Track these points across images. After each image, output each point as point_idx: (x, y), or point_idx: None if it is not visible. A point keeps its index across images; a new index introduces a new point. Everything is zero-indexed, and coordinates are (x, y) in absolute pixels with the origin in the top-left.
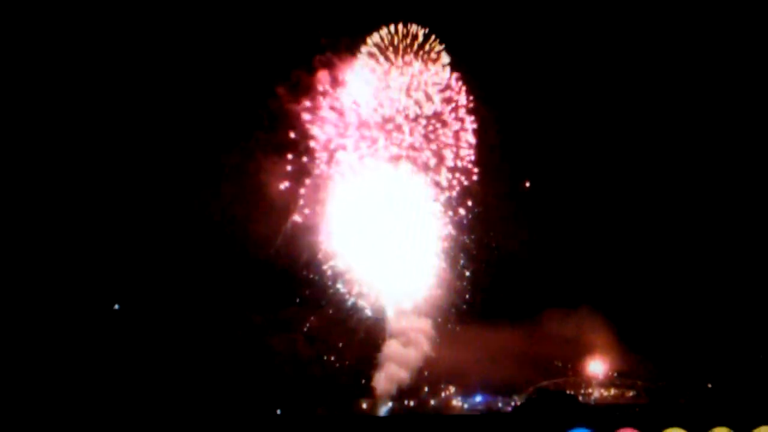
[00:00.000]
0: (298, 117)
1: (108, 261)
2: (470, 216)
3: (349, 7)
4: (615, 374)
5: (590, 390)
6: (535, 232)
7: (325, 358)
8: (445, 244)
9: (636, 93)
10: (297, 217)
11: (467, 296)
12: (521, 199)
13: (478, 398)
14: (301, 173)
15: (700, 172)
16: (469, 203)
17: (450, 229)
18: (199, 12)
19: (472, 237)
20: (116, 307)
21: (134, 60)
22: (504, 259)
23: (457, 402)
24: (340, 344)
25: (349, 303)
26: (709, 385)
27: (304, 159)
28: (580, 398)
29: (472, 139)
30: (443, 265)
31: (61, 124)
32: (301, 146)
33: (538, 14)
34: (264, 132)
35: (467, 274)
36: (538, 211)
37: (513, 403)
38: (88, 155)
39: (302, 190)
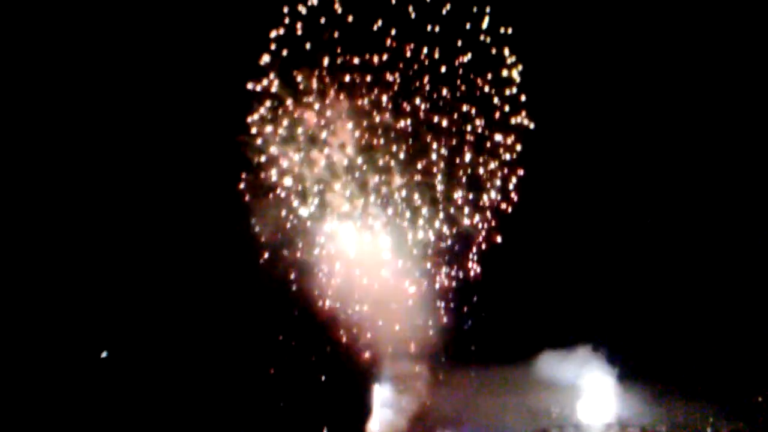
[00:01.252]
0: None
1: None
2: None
3: None
4: (615, 421)
5: None
6: (531, 270)
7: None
8: (440, 286)
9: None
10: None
11: (462, 340)
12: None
13: None
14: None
15: (703, 204)
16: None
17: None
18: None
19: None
20: (104, 354)
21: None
22: (499, 300)
23: None
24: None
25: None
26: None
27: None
28: None
29: None
30: (437, 308)
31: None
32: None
33: None
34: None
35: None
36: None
37: None
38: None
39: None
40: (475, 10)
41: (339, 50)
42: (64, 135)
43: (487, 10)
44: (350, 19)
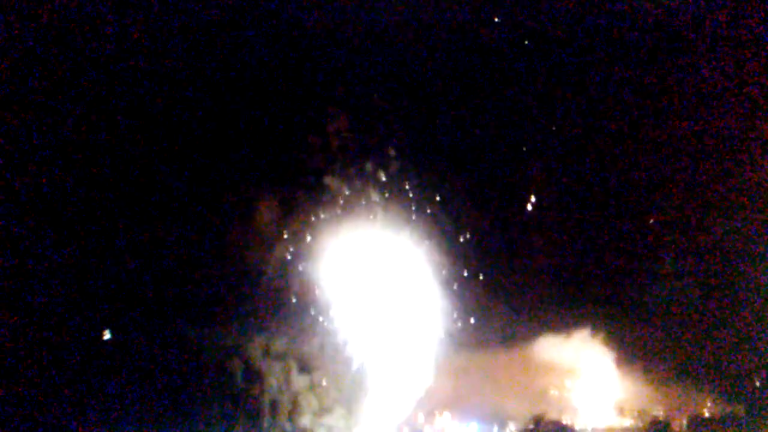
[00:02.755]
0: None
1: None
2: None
3: None
4: (615, 402)
5: (588, 419)
6: (531, 252)
7: (319, 387)
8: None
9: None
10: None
11: (463, 321)
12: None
13: (474, 426)
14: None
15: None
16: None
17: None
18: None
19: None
20: (107, 336)
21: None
22: (500, 282)
23: (452, 430)
24: (335, 373)
25: (343, 330)
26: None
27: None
28: (577, 428)
29: None
30: (438, 289)
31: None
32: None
33: None
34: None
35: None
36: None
37: None
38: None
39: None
40: None
41: None
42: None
43: None
44: None
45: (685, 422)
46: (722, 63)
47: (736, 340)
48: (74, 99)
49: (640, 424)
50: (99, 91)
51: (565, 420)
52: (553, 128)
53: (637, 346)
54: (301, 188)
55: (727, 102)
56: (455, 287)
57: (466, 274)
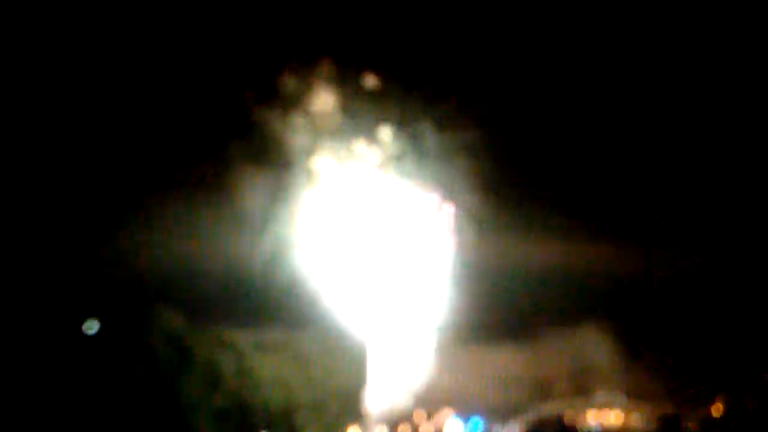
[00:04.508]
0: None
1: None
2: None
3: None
4: (622, 398)
5: (593, 415)
6: (537, 243)
7: (314, 380)
8: (442, 259)
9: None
10: (276, 232)
11: (465, 314)
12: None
13: (476, 421)
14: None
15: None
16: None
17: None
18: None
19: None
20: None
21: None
22: (504, 275)
23: (453, 426)
24: (330, 366)
25: (339, 322)
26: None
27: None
28: (582, 425)
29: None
30: (439, 282)
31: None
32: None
33: None
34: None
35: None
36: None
37: (509, 429)
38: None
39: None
40: None
41: None
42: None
43: None
44: None
45: (696, 420)
46: None
47: (750, 333)
48: None
49: (650, 421)
50: None
51: (572, 416)
52: None
53: (647, 338)
54: (288, 171)
55: None
56: (457, 274)
57: (468, 258)
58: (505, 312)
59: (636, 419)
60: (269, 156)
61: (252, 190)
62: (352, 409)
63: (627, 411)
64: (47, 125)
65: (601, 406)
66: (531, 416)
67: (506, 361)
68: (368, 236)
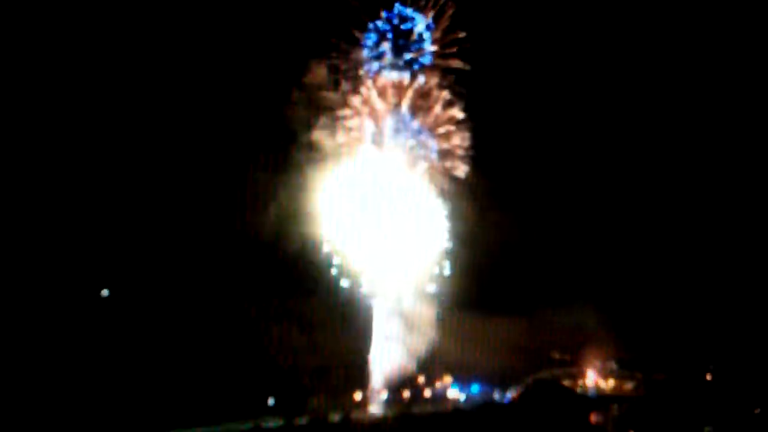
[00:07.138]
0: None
1: (98, 246)
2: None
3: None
4: (614, 365)
5: (588, 381)
6: (535, 224)
7: (320, 347)
8: (444, 235)
9: (632, 94)
10: (286, 204)
11: (467, 287)
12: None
13: (475, 388)
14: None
15: (695, 166)
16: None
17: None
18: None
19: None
20: (105, 293)
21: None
22: (504, 250)
23: (453, 392)
24: (336, 333)
25: (345, 291)
26: (709, 377)
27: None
28: (578, 389)
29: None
30: (440, 255)
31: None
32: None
33: None
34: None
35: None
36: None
37: (508, 394)
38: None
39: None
40: None
41: None
42: None
43: None
44: None
45: (686, 385)
46: None
47: (739, 302)
48: None
49: (641, 387)
50: None
51: (567, 382)
52: None
53: (640, 311)
54: (292, 145)
55: None
56: (460, 243)
57: (473, 235)
58: (506, 285)
59: (628, 385)
60: (273, 130)
61: (258, 162)
62: (356, 374)
63: (620, 378)
64: None
65: (596, 373)
66: (529, 380)
67: (505, 332)
68: (373, 208)
